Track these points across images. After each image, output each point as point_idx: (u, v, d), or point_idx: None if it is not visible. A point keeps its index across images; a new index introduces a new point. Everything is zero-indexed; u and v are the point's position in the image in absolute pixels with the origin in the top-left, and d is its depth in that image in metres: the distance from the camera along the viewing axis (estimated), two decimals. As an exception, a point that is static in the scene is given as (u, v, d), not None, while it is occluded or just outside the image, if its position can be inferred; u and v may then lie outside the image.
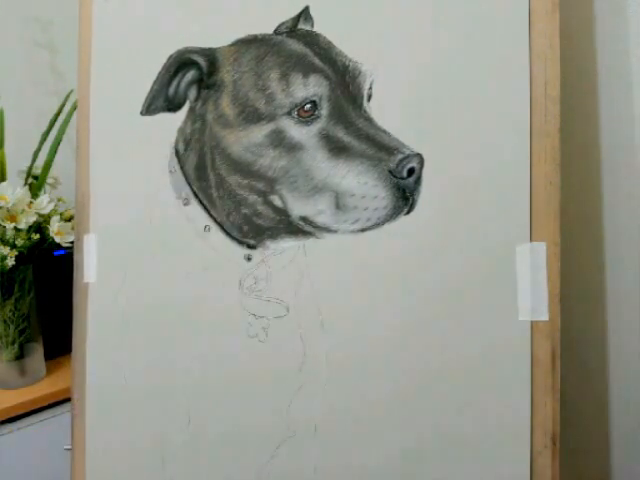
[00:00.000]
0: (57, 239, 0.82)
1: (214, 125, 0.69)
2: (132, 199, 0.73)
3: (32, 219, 0.81)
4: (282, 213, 0.66)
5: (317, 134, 0.65)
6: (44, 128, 0.94)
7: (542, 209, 0.59)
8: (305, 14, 0.67)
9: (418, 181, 0.62)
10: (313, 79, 0.65)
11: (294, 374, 0.67)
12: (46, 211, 0.83)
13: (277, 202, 0.66)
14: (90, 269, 0.76)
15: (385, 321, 0.64)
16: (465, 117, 0.61)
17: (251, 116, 0.67)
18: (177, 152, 0.71)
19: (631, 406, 0.68)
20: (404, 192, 0.62)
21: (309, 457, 0.66)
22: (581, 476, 0.73)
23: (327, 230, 0.65)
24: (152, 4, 0.74)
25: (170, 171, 0.71)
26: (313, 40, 0.66)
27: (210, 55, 0.69)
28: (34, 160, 0.93)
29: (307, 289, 0.66)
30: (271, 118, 0.66)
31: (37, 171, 0.93)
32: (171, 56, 0.70)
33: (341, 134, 0.64)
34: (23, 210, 0.81)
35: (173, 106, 0.71)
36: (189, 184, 0.70)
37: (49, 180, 0.95)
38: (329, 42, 0.66)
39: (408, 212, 0.62)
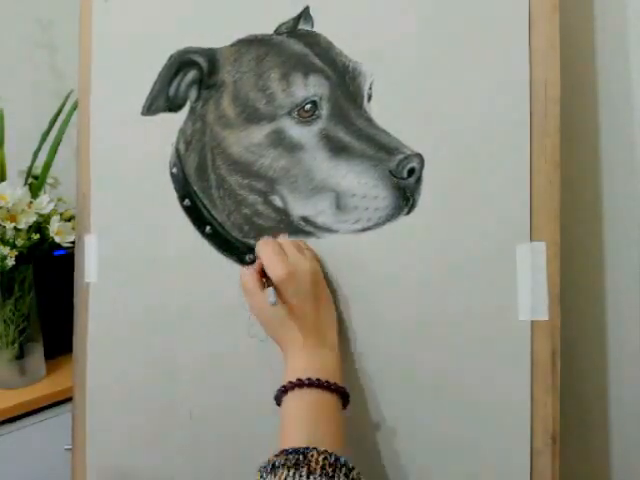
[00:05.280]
0: (57, 239, 0.83)
1: (215, 125, 0.69)
2: (133, 199, 0.73)
3: (32, 219, 0.81)
4: (283, 213, 0.66)
5: (317, 134, 0.65)
6: (44, 128, 0.94)
7: (542, 209, 0.59)
8: (305, 14, 0.67)
9: (418, 181, 0.62)
10: (313, 79, 0.65)
11: (294, 374, 0.67)
12: (46, 211, 0.83)
13: (278, 202, 0.66)
14: (91, 269, 0.76)
15: (385, 321, 0.64)
16: (465, 117, 0.61)
17: (252, 116, 0.67)
18: (178, 152, 0.71)
19: (631, 406, 0.68)
20: (404, 192, 0.62)
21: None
22: (581, 476, 0.73)
23: (328, 230, 0.65)
24: (152, 4, 0.74)
25: (171, 171, 0.71)
26: (313, 40, 0.66)
27: (210, 55, 0.69)
28: (34, 160, 0.93)
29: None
30: (271, 118, 0.66)
31: (37, 171, 0.93)
32: (172, 56, 0.70)
33: (341, 134, 0.64)
34: (23, 210, 0.81)
35: (174, 106, 0.71)
36: (190, 184, 0.70)
37: (49, 180, 0.95)
38: (329, 42, 0.66)
39: (408, 212, 0.62)
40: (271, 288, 0.59)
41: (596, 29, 0.66)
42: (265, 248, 0.63)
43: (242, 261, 0.69)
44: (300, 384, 0.56)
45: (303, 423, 0.55)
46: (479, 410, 0.61)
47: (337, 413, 0.57)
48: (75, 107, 0.86)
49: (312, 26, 0.66)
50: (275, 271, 0.60)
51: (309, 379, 0.57)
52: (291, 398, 0.57)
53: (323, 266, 0.65)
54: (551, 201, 0.59)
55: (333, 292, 0.65)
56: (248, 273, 0.63)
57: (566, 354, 0.60)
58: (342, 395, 0.58)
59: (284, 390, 0.57)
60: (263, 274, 0.63)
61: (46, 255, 0.89)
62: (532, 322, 0.59)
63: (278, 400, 0.58)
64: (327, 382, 0.57)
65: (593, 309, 0.70)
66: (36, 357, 0.94)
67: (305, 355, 0.59)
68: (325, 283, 0.64)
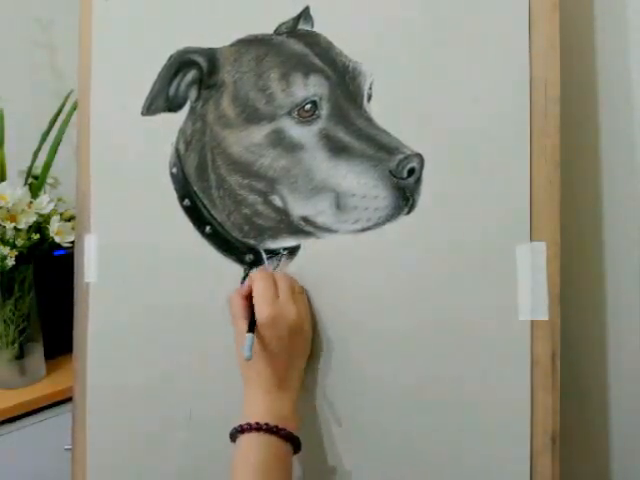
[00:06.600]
0: (57, 239, 0.83)
1: (215, 125, 0.69)
2: (133, 199, 0.73)
3: (32, 219, 0.81)
4: (282, 213, 0.66)
5: (317, 134, 0.65)
6: (44, 128, 0.94)
7: (542, 209, 0.59)
8: (305, 14, 0.67)
9: (418, 181, 0.62)
10: (313, 79, 0.65)
11: (294, 374, 0.67)
12: (46, 211, 0.83)
13: (277, 202, 0.66)
14: (91, 269, 0.76)
15: (385, 321, 0.64)
16: (465, 117, 0.61)
17: (251, 116, 0.67)
18: (178, 152, 0.71)
19: (631, 406, 0.68)
20: (404, 192, 0.62)
21: (308, 456, 0.66)
22: (581, 476, 0.73)
23: (327, 230, 0.65)
24: (152, 4, 0.74)
25: (171, 171, 0.71)
26: (313, 40, 0.66)
27: (210, 55, 0.69)
28: (34, 160, 0.93)
29: (307, 289, 0.66)
30: (271, 118, 0.66)
31: (37, 171, 0.93)
32: (171, 56, 0.70)
33: (341, 134, 0.64)
34: (23, 210, 0.81)
35: (174, 106, 0.71)
36: (190, 184, 0.70)
37: (49, 180, 0.95)
38: (329, 42, 0.66)
39: (408, 212, 0.62)
40: (249, 337, 0.58)
41: (596, 29, 0.66)
42: (259, 282, 0.62)
43: (242, 261, 0.69)
44: (258, 428, 0.57)
45: (254, 470, 0.56)
46: (479, 410, 0.61)
47: (288, 460, 0.59)
48: (75, 107, 0.86)
49: (312, 26, 0.66)
50: (260, 311, 0.60)
51: (267, 425, 0.57)
52: (247, 439, 0.58)
53: (312, 309, 0.65)
54: (551, 201, 0.59)
55: (326, 297, 0.65)
56: (235, 297, 0.64)
57: (566, 354, 0.60)
58: (295, 443, 0.59)
59: (241, 430, 0.58)
60: (249, 300, 0.63)
61: (46, 255, 0.89)
62: (532, 322, 0.59)
63: (233, 437, 0.60)
64: (284, 430, 0.58)
65: (593, 309, 0.70)
66: (36, 357, 0.94)
67: (267, 400, 0.60)
68: (308, 331, 0.63)
